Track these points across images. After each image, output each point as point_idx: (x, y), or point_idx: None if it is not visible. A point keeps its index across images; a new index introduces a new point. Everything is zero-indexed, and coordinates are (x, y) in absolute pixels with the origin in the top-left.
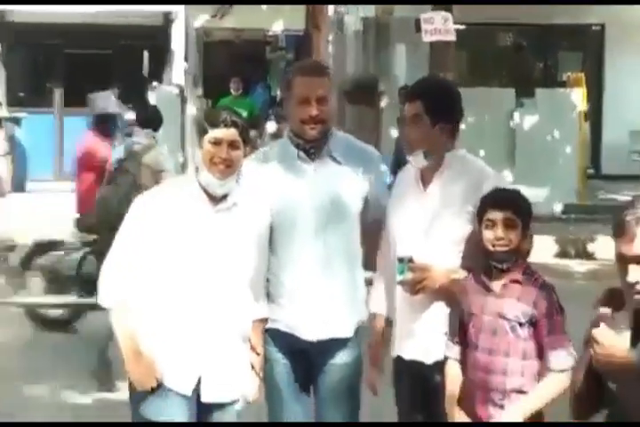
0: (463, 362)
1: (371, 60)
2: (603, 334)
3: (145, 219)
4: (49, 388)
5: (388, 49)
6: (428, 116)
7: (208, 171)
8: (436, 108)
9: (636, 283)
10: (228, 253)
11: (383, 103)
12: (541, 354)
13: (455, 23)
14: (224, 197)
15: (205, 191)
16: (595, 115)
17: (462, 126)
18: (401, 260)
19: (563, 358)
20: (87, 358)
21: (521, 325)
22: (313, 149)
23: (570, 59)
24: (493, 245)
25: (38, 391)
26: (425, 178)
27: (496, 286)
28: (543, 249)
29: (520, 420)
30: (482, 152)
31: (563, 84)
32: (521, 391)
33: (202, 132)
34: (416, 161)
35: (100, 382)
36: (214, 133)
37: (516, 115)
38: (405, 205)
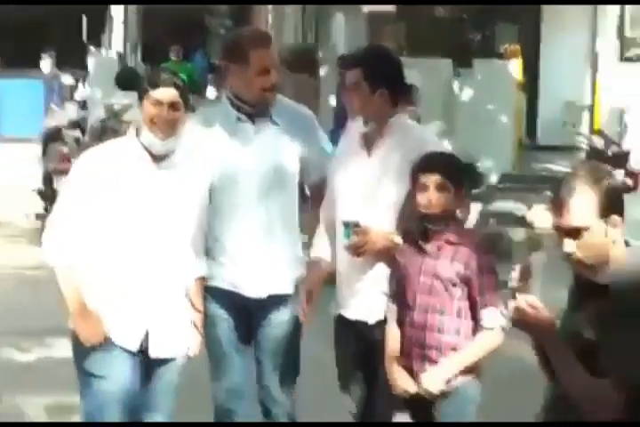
0: (402, 322)
1: (309, 28)
2: (527, 300)
3: (87, 177)
4: None
5: (327, 18)
6: (366, 83)
7: (149, 131)
8: (375, 75)
9: (570, 254)
10: (170, 211)
11: (322, 72)
12: (475, 313)
13: None
14: (165, 156)
15: (147, 151)
16: (531, 86)
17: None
18: (347, 224)
19: (493, 316)
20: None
21: (454, 284)
22: (255, 111)
23: (507, 31)
24: (425, 208)
25: None
26: (368, 143)
27: (431, 247)
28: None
29: (449, 375)
30: (422, 123)
31: (500, 56)
32: (456, 349)
33: (143, 92)
34: (357, 127)
35: None
36: (155, 94)
37: (455, 85)
38: (349, 170)
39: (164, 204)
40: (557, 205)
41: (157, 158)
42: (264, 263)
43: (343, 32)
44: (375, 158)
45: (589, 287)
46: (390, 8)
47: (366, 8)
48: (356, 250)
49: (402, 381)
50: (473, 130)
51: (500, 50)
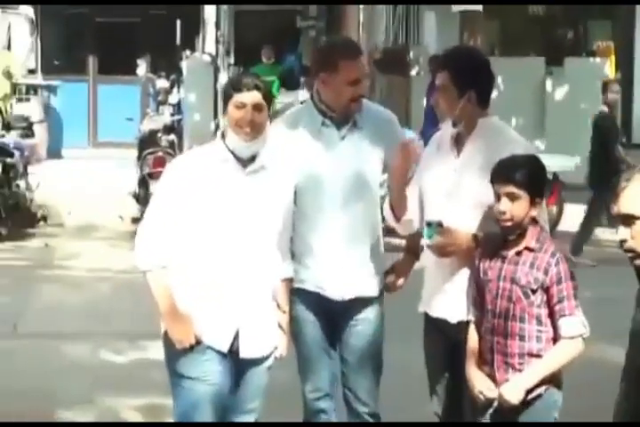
0: (482, 327)
1: (401, 28)
2: None
3: (178, 183)
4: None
5: (419, 18)
6: (454, 86)
7: (235, 134)
8: (463, 78)
9: (623, 240)
10: (257, 213)
11: (413, 72)
12: (554, 321)
13: None
14: (252, 159)
15: (234, 155)
16: (625, 84)
17: (493, 95)
18: (429, 224)
19: (573, 325)
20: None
21: (534, 291)
22: (339, 117)
23: (601, 28)
24: (499, 218)
25: (74, 351)
26: (458, 145)
27: (510, 252)
28: (574, 217)
29: (529, 386)
30: (513, 121)
31: (593, 54)
32: (539, 356)
33: (227, 97)
34: (447, 128)
35: None
36: (238, 97)
37: (548, 83)
38: (437, 170)
39: (252, 206)
40: (616, 194)
41: (243, 161)
42: (348, 266)
43: (434, 32)
44: (463, 159)
45: None
46: (477, 7)
47: (455, 7)
48: (440, 250)
49: (481, 385)
50: (565, 128)
51: (593, 47)
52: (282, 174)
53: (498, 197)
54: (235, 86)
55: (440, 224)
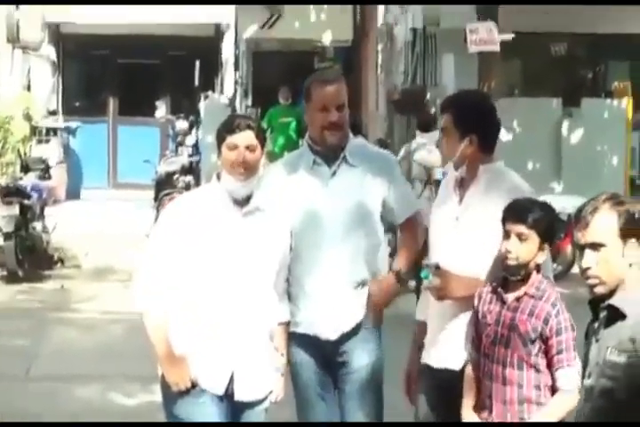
0: (480, 371)
1: (419, 69)
2: None
3: (174, 225)
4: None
5: (437, 59)
6: (456, 129)
7: (229, 175)
8: (465, 121)
9: (587, 268)
10: (254, 256)
11: (431, 112)
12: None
13: (504, 32)
14: (247, 200)
15: (229, 196)
16: None
17: (509, 137)
18: (427, 265)
19: (571, 377)
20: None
21: (532, 340)
22: (330, 154)
23: (618, 68)
24: (505, 257)
25: (86, 393)
26: (461, 189)
27: (510, 298)
28: None
29: None
30: (529, 163)
31: (610, 94)
32: (539, 403)
33: (220, 139)
34: (451, 172)
35: None
36: (231, 139)
37: (564, 125)
38: (441, 214)
39: (248, 247)
40: (580, 222)
41: (239, 202)
42: (341, 305)
43: (452, 73)
44: (464, 206)
45: (604, 308)
46: (495, 47)
47: (472, 48)
48: (437, 292)
49: None
50: (582, 170)
51: (611, 88)
52: (278, 215)
53: (507, 236)
54: (227, 128)
55: (437, 266)
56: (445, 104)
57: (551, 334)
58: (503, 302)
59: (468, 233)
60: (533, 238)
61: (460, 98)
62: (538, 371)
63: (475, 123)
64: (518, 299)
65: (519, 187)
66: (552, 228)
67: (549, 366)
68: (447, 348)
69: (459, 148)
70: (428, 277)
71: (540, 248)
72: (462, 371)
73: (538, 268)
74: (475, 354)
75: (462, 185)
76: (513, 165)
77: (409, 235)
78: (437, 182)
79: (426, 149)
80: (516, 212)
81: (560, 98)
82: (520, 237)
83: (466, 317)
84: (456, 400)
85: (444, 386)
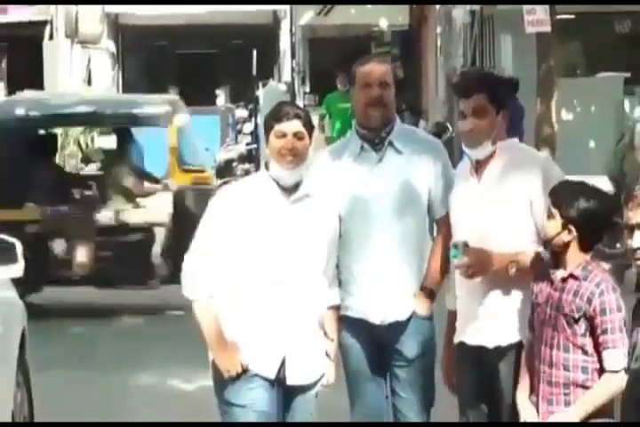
0: (533, 353)
1: (478, 52)
2: None
3: (223, 213)
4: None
5: (495, 40)
6: (492, 107)
7: (277, 163)
8: (498, 97)
9: (637, 249)
10: (304, 243)
11: None
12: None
13: (564, 13)
14: (296, 187)
15: (277, 184)
16: None
17: (570, 117)
18: (455, 245)
19: (617, 359)
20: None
21: (576, 320)
22: (377, 139)
23: None
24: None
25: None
26: (479, 169)
27: (557, 278)
28: None
29: (578, 420)
30: (591, 142)
31: None
32: (585, 387)
33: (268, 128)
34: (480, 152)
35: None
36: (279, 127)
37: (626, 103)
38: (462, 196)
39: (297, 235)
40: (628, 201)
41: (287, 190)
42: (391, 290)
43: (510, 54)
44: (485, 183)
45: None
46: (546, 28)
47: (528, 29)
48: (467, 270)
49: (527, 415)
50: None
51: None
52: (327, 202)
53: (549, 216)
54: (275, 117)
55: (466, 244)
56: (473, 86)
57: (595, 314)
58: (552, 283)
59: (493, 209)
60: (557, 218)
61: (487, 77)
62: (586, 353)
63: (506, 98)
64: (564, 280)
65: (536, 159)
66: (597, 218)
67: (596, 347)
68: (480, 325)
69: (495, 126)
70: (457, 257)
71: (565, 228)
72: (496, 350)
73: (578, 248)
74: (530, 335)
75: (478, 165)
76: (573, 145)
77: (448, 230)
78: None
79: None
80: (555, 194)
81: (622, 75)
82: (549, 215)
83: (495, 295)
84: (494, 379)
85: (479, 364)
